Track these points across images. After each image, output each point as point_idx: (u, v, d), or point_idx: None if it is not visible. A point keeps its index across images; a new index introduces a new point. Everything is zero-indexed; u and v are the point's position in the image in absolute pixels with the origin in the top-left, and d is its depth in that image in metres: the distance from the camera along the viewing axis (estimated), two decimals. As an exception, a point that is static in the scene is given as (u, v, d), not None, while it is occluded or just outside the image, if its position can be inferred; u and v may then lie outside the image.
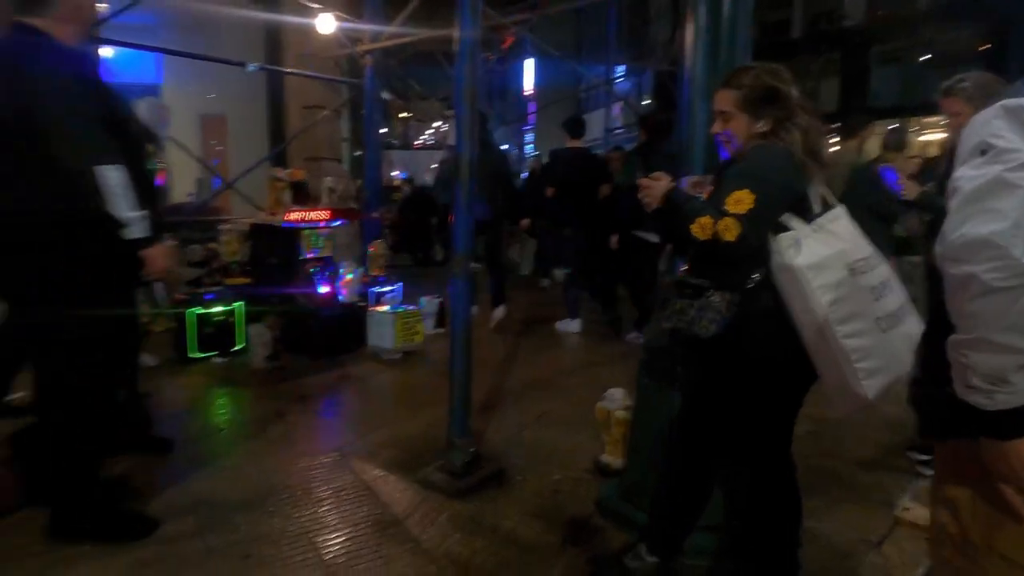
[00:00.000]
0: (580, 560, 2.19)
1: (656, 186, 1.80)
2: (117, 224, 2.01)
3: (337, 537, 2.32)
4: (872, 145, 4.94)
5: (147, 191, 2.15)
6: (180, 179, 9.16)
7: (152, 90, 9.28)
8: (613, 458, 2.72)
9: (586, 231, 5.48)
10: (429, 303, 5.32)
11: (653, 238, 4.93)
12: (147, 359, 4.11)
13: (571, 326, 5.58)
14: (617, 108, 12.48)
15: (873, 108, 10.59)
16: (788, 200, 1.69)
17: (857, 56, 12.24)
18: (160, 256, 2.14)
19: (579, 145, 5.68)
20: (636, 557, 2.02)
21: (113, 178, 1.97)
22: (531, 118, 18.58)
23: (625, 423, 2.65)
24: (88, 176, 1.95)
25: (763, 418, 1.80)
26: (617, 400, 2.75)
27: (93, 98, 2.04)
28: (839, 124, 4.98)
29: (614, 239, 5.33)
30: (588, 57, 15.22)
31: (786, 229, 1.67)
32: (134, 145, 2.23)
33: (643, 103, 13.06)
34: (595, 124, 14.16)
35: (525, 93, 19.18)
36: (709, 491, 1.97)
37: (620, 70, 14.08)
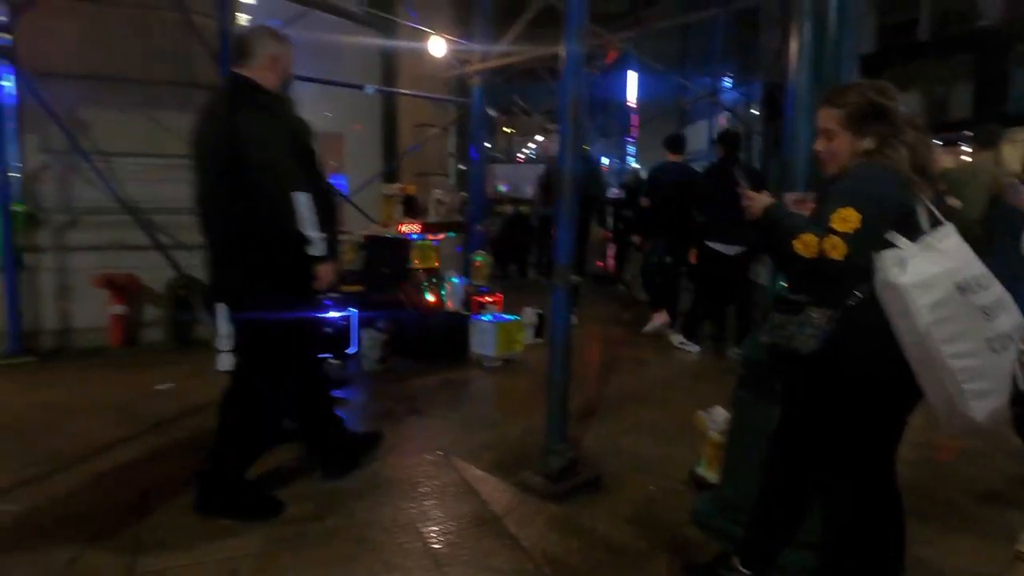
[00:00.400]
0: (672, 567, 2.23)
1: (758, 199, 1.84)
2: (305, 241, 2.37)
3: (441, 529, 2.49)
4: (1013, 155, 4.60)
5: (328, 216, 2.54)
6: (302, 193, 9.86)
7: (280, 111, 10.05)
8: (709, 471, 2.73)
9: (670, 244, 5.71)
10: (528, 314, 5.47)
11: (728, 250, 5.09)
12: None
13: (676, 339, 5.57)
14: (723, 120, 12.23)
15: (1013, 115, 9.76)
16: (893, 218, 1.68)
17: (993, 59, 11.32)
18: (329, 272, 2.53)
19: (679, 160, 5.91)
20: (729, 569, 2.04)
21: (303, 203, 2.34)
22: (634, 131, 18.44)
23: (720, 445, 2.66)
24: (286, 201, 2.32)
25: (865, 436, 1.79)
26: (718, 421, 2.75)
27: (288, 134, 2.43)
28: (972, 133, 4.71)
29: (692, 252, 5.46)
30: (693, 69, 14.97)
31: (892, 246, 1.66)
32: (318, 174, 2.61)
33: (751, 112, 12.69)
34: (699, 136, 13.94)
35: (628, 105, 19.08)
36: (807, 507, 1.97)
37: (727, 81, 13.77)
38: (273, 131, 2.38)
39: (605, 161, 14.71)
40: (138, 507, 2.56)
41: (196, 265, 5.00)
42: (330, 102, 9.27)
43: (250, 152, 2.32)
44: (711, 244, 5.17)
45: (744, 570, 2.02)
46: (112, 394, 4.04)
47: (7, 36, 4.75)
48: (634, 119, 18.15)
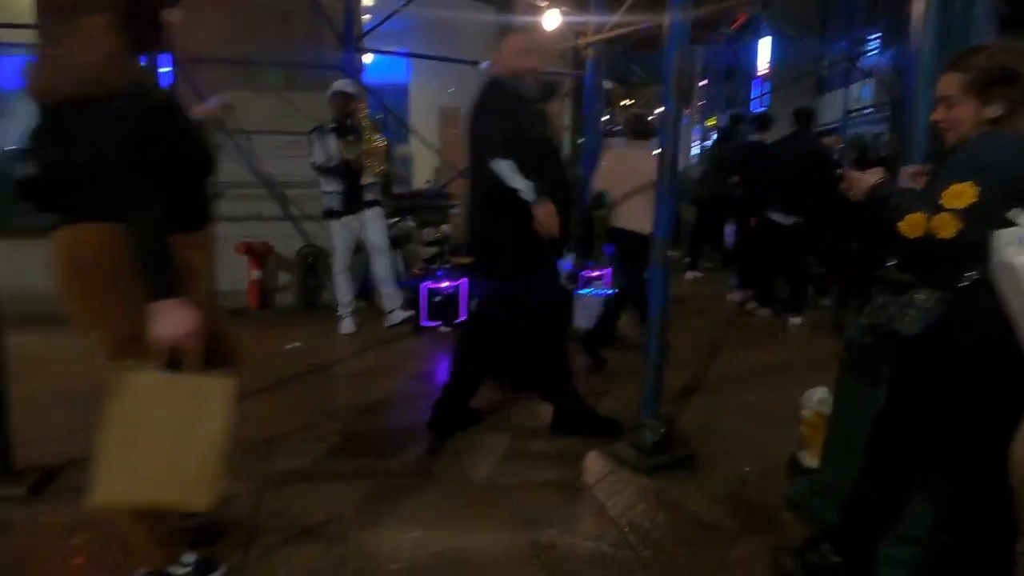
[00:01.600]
0: (760, 547, 2.20)
1: (860, 179, 1.74)
2: (516, 193, 2.67)
3: (531, 491, 2.59)
4: None
5: (556, 183, 2.84)
6: (421, 167, 10.27)
7: (401, 89, 10.49)
8: (809, 455, 2.64)
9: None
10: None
11: (786, 220, 5.30)
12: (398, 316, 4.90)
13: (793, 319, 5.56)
14: (866, 87, 11.28)
15: None
16: (1016, 193, 1.54)
17: None
18: (546, 213, 2.70)
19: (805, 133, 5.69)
20: (819, 554, 1.99)
21: (504, 167, 2.66)
22: (764, 99, 17.45)
23: (815, 425, 2.56)
24: (490, 165, 2.70)
25: (975, 424, 1.67)
26: (813, 400, 2.65)
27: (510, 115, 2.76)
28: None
29: (752, 221, 5.74)
30: (832, 32, 13.89)
31: (1011, 224, 1.53)
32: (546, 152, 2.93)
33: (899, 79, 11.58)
34: (835, 106, 12.98)
35: (759, 74, 18.05)
36: (908, 497, 1.87)
37: (870, 45, 12.67)
38: (500, 118, 2.74)
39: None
40: (265, 449, 2.87)
41: (320, 235, 5.41)
42: (454, 78, 9.54)
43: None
44: (769, 214, 5.44)
45: (835, 557, 1.96)
46: (248, 351, 4.44)
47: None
48: (764, 87, 17.17)
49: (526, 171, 2.67)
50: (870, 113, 11.03)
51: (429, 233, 5.84)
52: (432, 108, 10.55)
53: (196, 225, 1.79)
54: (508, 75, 2.83)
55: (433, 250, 5.64)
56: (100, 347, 1.66)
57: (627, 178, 4.26)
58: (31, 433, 2.72)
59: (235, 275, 5.73)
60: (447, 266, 5.35)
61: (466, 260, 5.41)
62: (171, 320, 1.53)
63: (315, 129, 4.84)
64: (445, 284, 5.10)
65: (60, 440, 2.92)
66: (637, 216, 4.10)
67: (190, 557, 1.93)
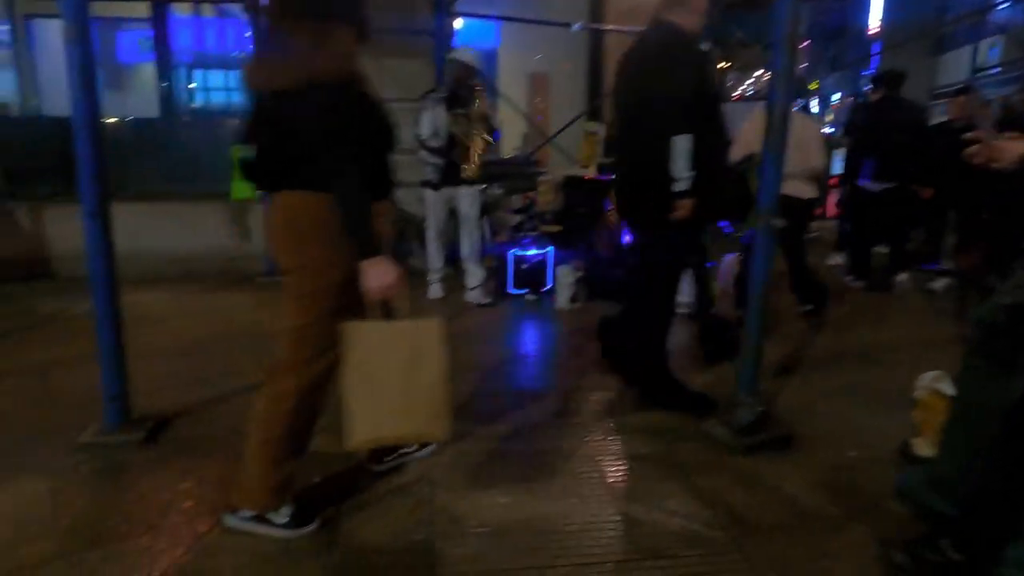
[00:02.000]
0: (864, 537, 2.07)
1: (1009, 148, 1.55)
2: (672, 179, 2.61)
3: (620, 464, 2.54)
4: None
5: (715, 154, 2.82)
6: (509, 134, 10.22)
7: (491, 55, 10.41)
8: (922, 443, 2.45)
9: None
10: (727, 262, 5.19)
11: (874, 187, 5.35)
12: (477, 297, 4.87)
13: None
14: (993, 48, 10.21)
15: None
16: None
17: None
18: (685, 209, 2.65)
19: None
20: (936, 550, 1.84)
21: (680, 145, 2.55)
22: (874, 60, 16.17)
23: (930, 407, 2.36)
24: (667, 143, 2.57)
25: None
26: (926, 380, 2.44)
27: (694, 70, 2.64)
28: None
29: (844, 190, 6.00)
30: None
31: None
32: (711, 114, 2.78)
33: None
34: (955, 65, 11.85)
35: (869, 32, 16.72)
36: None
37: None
38: (684, 72, 2.58)
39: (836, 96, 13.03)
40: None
41: (411, 201, 5.47)
42: (539, 43, 9.37)
43: (657, 98, 2.59)
44: (859, 181, 5.51)
45: (955, 555, 1.81)
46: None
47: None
48: (875, 47, 15.89)
49: (698, 130, 2.57)
50: (996, 74, 9.98)
51: (516, 200, 5.80)
52: (520, 74, 10.42)
53: (383, 194, 1.97)
54: (693, 28, 2.69)
55: (520, 217, 5.61)
56: (314, 299, 1.87)
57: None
58: (147, 384, 2.91)
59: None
60: (534, 233, 5.30)
61: (554, 228, 5.37)
62: (378, 275, 1.76)
63: (426, 94, 4.76)
64: (532, 252, 5.06)
65: (174, 390, 3.13)
66: (794, 180, 4.14)
67: (288, 509, 2.02)
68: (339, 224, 1.74)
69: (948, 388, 2.31)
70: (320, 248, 1.82)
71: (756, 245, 2.59)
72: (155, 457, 2.54)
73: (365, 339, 1.79)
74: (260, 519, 2.02)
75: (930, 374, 2.46)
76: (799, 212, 4.29)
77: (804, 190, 4.28)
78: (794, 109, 4.34)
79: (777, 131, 2.45)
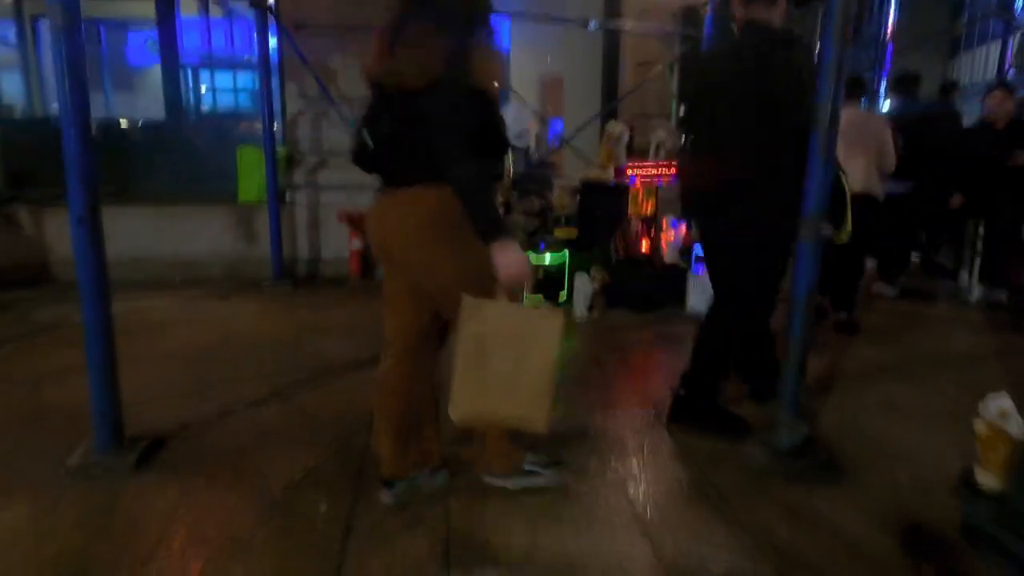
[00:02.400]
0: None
1: None
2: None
3: (650, 490, 2.34)
4: None
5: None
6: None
7: (503, 56, 10.22)
8: (988, 475, 2.22)
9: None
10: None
11: (898, 188, 4.92)
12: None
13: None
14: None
15: None
16: None
17: None
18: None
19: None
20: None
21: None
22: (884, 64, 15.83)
23: (990, 440, 2.13)
24: (801, 141, 2.30)
25: None
26: (991, 411, 2.20)
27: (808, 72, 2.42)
28: None
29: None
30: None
31: None
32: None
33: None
34: (973, 66, 11.58)
35: (883, 32, 16.41)
36: None
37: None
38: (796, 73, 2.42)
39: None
40: (367, 423, 2.74)
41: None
42: (553, 43, 9.21)
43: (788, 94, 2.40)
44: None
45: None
46: (347, 319, 4.50)
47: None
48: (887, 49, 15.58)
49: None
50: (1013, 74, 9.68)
51: (531, 203, 5.60)
52: (533, 75, 10.26)
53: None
54: (781, 26, 2.56)
55: (535, 222, 5.41)
56: (446, 290, 1.91)
57: (855, 139, 4.02)
58: (145, 396, 2.74)
59: (338, 243, 5.77)
60: (550, 238, 5.11)
61: (570, 233, 5.16)
62: (507, 259, 1.77)
63: None
64: (548, 257, 4.86)
65: (173, 402, 2.96)
66: (864, 178, 4.08)
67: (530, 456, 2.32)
68: (465, 215, 1.77)
69: (1015, 426, 2.08)
70: (464, 238, 1.83)
71: (801, 253, 2.38)
72: (148, 481, 2.35)
73: (485, 315, 1.80)
74: (524, 473, 2.27)
75: (994, 403, 2.22)
76: (875, 211, 4.18)
77: (879, 188, 4.21)
78: (860, 109, 4.30)
79: (826, 130, 2.24)
